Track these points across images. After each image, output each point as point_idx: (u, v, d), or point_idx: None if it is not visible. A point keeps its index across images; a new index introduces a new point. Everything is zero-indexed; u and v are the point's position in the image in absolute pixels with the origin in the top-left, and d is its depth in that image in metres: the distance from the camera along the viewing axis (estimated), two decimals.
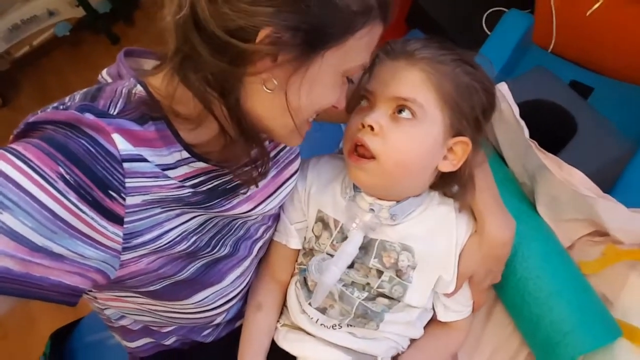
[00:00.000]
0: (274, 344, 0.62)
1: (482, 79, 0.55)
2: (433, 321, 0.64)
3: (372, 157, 0.53)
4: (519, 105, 0.70)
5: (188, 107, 0.46)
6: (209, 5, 0.40)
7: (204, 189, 0.51)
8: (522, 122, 0.68)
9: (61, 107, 0.44)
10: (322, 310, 0.59)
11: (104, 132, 0.42)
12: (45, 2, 1.98)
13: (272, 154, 0.60)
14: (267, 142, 0.58)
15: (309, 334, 0.60)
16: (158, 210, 0.47)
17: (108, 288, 0.52)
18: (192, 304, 0.55)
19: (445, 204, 0.60)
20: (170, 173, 0.47)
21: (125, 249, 0.45)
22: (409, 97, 0.53)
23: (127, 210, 0.43)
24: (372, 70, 0.56)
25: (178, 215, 0.49)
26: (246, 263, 0.60)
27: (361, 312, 0.57)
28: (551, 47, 1.04)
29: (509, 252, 0.61)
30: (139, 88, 0.46)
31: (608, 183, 0.74)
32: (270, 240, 0.65)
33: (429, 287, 0.59)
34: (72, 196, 0.39)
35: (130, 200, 0.44)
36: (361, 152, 0.54)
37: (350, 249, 0.55)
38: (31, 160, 0.38)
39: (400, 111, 0.53)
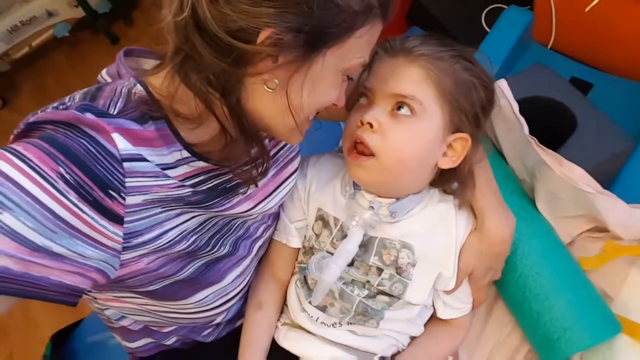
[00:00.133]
0: (274, 343, 0.62)
1: (481, 75, 0.55)
2: (433, 318, 0.64)
3: (372, 155, 0.53)
4: (518, 101, 0.70)
5: (189, 106, 0.46)
6: (210, 6, 0.40)
7: (204, 188, 0.51)
8: (522, 119, 0.68)
9: (61, 107, 0.44)
10: (323, 309, 0.59)
11: (104, 132, 0.42)
12: (44, 3, 1.97)
13: (272, 152, 0.60)
14: (266, 141, 0.59)
15: (309, 332, 0.60)
16: (158, 209, 0.47)
17: (108, 288, 0.52)
18: (192, 303, 0.55)
19: (445, 201, 0.60)
20: (170, 172, 0.47)
21: (125, 249, 0.45)
22: (408, 94, 0.53)
23: (127, 210, 0.44)
24: (371, 67, 0.56)
25: (178, 215, 0.49)
26: (246, 262, 0.60)
27: (361, 310, 0.57)
28: (551, 43, 1.04)
29: (509, 249, 0.61)
30: (139, 87, 0.46)
31: (608, 179, 0.74)
32: (270, 239, 0.65)
33: (429, 284, 0.59)
34: (72, 196, 0.39)
35: (130, 200, 0.44)
36: (360, 150, 0.54)
37: (350, 247, 0.55)
38: (31, 160, 0.38)
39: (399, 108, 0.53)
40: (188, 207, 0.50)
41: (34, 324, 1.41)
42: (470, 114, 0.55)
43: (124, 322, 0.63)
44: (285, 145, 0.62)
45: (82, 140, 0.41)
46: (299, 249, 0.64)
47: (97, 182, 0.41)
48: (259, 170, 0.52)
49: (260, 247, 0.63)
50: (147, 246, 0.47)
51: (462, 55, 0.55)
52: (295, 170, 0.63)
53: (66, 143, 0.40)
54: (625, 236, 0.66)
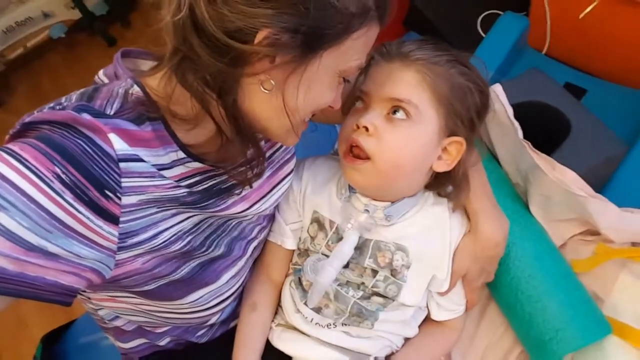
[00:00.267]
0: (268, 344, 0.62)
1: (476, 80, 0.56)
2: (427, 320, 0.64)
3: (367, 158, 0.54)
4: (513, 106, 0.70)
5: (185, 107, 0.46)
6: (207, 7, 0.40)
7: (200, 189, 0.51)
8: (516, 123, 0.69)
9: (58, 107, 0.44)
10: (317, 310, 0.59)
11: (101, 132, 0.42)
12: (41, 4, 1.96)
13: (268, 154, 0.61)
14: (262, 142, 0.59)
15: (303, 333, 0.60)
16: (154, 210, 0.47)
17: (103, 288, 0.52)
18: (187, 303, 0.55)
19: (440, 204, 0.60)
20: (166, 173, 0.47)
21: (120, 249, 0.45)
22: (404, 98, 0.53)
23: (122, 210, 0.44)
24: (367, 71, 0.56)
25: (173, 215, 0.50)
26: (241, 263, 0.60)
27: (356, 311, 0.58)
28: (545, 49, 1.05)
29: (502, 251, 0.62)
30: (136, 88, 0.46)
31: (600, 183, 0.75)
32: (265, 241, 0.66)
33: (423, 286, 0.59)
34: (68, 196, 0.39)
35: (126, 200, 0.44)
36: (356, 153, 0.55)
37: (345, 250, 0.55)
38: (27, 160, 0.38)
39: (395, 112, 0.54)
40: (183, 207, 0.50)
41: (24, 324, 1.39)
42: (465, 118, 0.55)
43: (118, 323, 0.63)
44: (281, 146, 0.63)
45: (79, 141, 0.41)
46: (293, 250, 0.65)
47: (93, 182, 0.41)
48: (255, 172, 0.52)
49: (255, 248, 0.63)
50: (143, 246, 0.47)
51: (458, 60, 0.55)
52: (291, 172, 0.64)
53: (62, 143, 0.40)
54: (616, 239, 0.67)
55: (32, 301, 0.41)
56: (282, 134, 0.50)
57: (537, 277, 0.63)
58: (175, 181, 0.48)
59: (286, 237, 0.64)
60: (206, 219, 0.54)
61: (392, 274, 0.58)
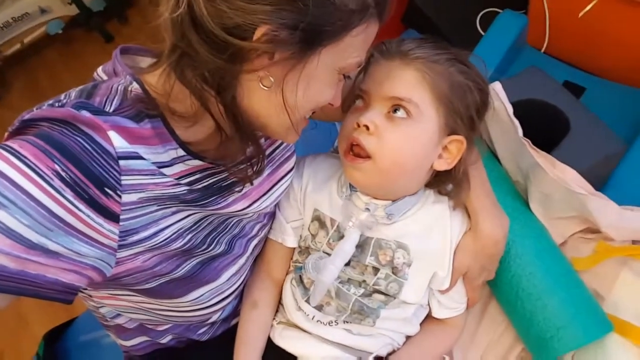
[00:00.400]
0: (269, 342, 0.62)
1: (476, 78, 0.56)
2: (428, 318, 0.65)
3: (368, 157, 0.54)
4: (513, 104, 0.70)
5: (184, 104, 0.46)
6: (206, 3, 0.40)
7: (200, 186, 0.51)
8: (516, 121, 0.69)
9: (57, 104, 0.44)
10: (319, 307, 0.59)
11: (100, 130, 0.42)
12: (37, 0, 1.96)
13: (268, 151, 0.61)
14: (262, 140, 0.59)
15: (305, 331, 0.60)
16: (154, 207, 0.47)
17: (103, 286, 0.52)
18: (188, 301, 0.55)
19: (440, 202, 0.60)
20: (166, 171, 0.47)
21: (121, 247, 0.45)
22: (404, 97, 0.53)
23: (122, 208, 0.43)
24: (367, 69, 0.56)
25: (174, 213, 0.49)
26: (241, 261, 0.60)
27: (357, 309, 0.58)
28: (544, 47, 1.05)
29: (503, 249, 0.62)
30: (135, 85, 0.46)
31: (600, 181, 0.75)
32: (266, 238, 0.65)
33: (424, 284, 0.59)
34: (68, 193, 0.39)
35: (126, 198, 0.44)
36: (357, 152, 0.55)
37: (347, 248, 0.55)
38: (27, 158, 0.38)
39: (395, 110, 0.54)
40: (184, 205, 0.50)
41: (25, 322, 1.39)
42: (465, 116, 0.55)
43: (119, 320, 0.63)
44: (281, 144, 0.62)
45: (78, 138, 0.41)
46: (294, 248, 0.65)
47: (93, 180, 0.41)
48: (255, 169, 0.52)
49: (255, 246, 0.63)
50: (143, 244, 0.47)
51: (458, 59, 0.55)
52: (291, 170, 0.63)
53: (62, 140, 0.40)
54: (616, 237, 0.67)
55: (33, 299, 0.41)
56: (282, 131, 0.50)
57: (538, 275, 0.63)
58: (175, 179, 0.48)
59: (287, 235, 0.64)
60: (207, 216, 0.54)
61: (393, 272, 0.58)
